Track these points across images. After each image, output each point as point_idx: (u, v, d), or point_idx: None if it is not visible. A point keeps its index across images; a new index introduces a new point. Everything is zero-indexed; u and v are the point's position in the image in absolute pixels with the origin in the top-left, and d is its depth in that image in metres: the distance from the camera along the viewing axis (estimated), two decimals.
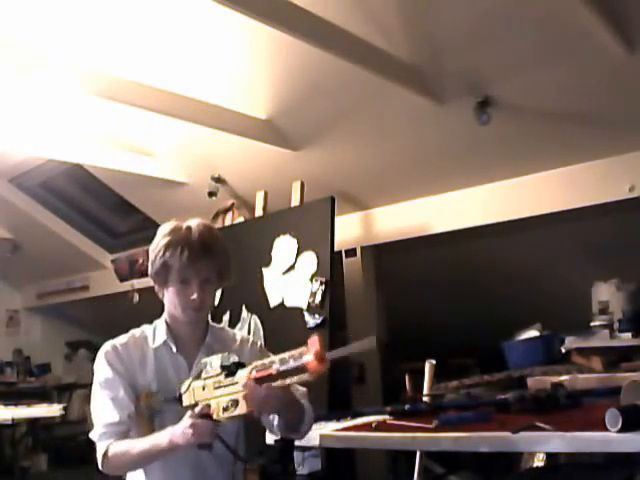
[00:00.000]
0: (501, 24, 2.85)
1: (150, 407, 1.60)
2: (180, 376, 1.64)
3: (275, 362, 1.36)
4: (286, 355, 1.34)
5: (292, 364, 1.32)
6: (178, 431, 1.46)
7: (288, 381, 1.34)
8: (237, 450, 1.59)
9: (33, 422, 5.77)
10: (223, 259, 1.70)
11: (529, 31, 2.85)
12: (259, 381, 1.38)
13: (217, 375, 1.47)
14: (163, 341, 1.69)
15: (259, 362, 1.41)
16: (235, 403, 1.40)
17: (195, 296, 1.64)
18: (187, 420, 1.45)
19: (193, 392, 1.52)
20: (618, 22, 2.66)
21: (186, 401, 1.52)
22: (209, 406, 1.45)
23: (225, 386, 1.44)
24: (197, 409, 1.47)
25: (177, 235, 1.65)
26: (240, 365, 1.45)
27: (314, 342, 1.29)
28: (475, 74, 3.20)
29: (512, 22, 2.83)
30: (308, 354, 1.28)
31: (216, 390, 1.46)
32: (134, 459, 1.57)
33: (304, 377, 1.30)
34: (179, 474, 1.65)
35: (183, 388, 1.54)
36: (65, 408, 5.54)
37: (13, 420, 5.17)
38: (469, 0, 2.81)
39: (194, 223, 1.69)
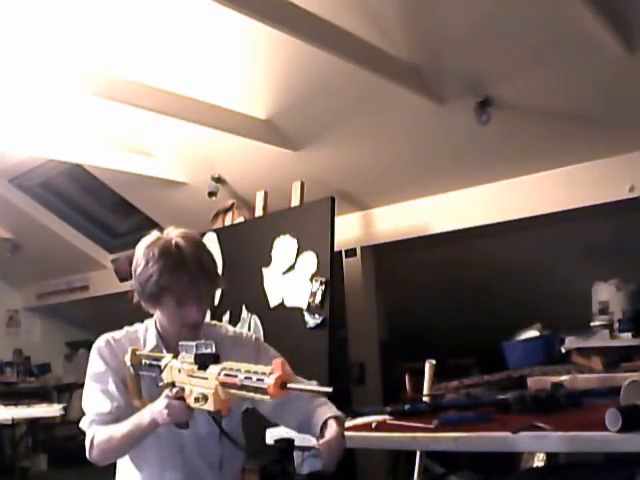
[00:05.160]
0: (501, 24, 2.85)
1: (135, 366, 1.62)
2: None
3: (242, 372, 1.35)
4: (251, 369, 1.33)
5: (254, 382, 1.30)
6: (156, 409, 1.49)
7: (250, 395, 1.32)
8: (235, 440, 1.60)
9: (33, 422, 5.77)
10: (215, 272, 1.68)
11: (529, 31, 2.85)
12: (224, 385, 1.38)
13: (191, 364, 1.47)
14: (154, 345, 1.70)
15: (230, 364, 1.40)
16: (205, 398, 1.41)
17: (194, 317, 1.64)
18: (164, 400, 1.48)
19: (171, 371, 1.53)
20: (618, 22, 2.66)
21: (164, 378, 1.54)
22: (184, 390, 1.47)
23: (196, 377, 1.45)
24: (173, 391, 1.48)
25: (170, 257, 1.60)
26: (214, 358, 1.44)
27: (278, 367, 1.27)
28: (475, 74, 3.20)
29: (512, 22, 2.83)
30: (270, 377, 1.27)
31: (189, 378, 1.47)
32: (118, 443, 1.58)
33: (264, 397, 1.28)
34: (169, 477, 1.66)
35: (163, 363, 1.55)
36: (65, 408, 5.53)
37: (13, 420, 5.17)
38: (469, 0, 2.81)
39: (179, 238, 1.63)
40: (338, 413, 1.66)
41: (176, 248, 1.62)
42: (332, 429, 1.59)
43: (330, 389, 1.28)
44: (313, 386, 1.37)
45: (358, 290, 4.55)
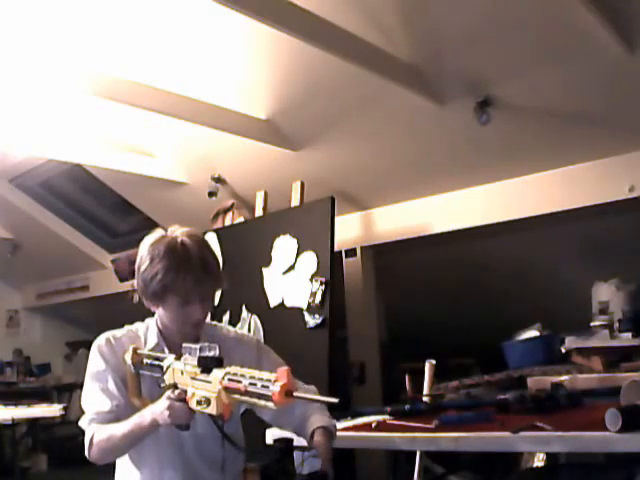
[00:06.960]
0: (501, 24, 2.85)
1: (136, 365, 1.62)
2: None
3: (246, 378, 1.34)
4: (256, 376, 1.32)
5: (258, 389, 1.30)
6: (158, 410, 1.48)
7: (253, 401, 1.32)
8: (234, 441, 1.60)
9: (33, 422, 5.75)
10: (219, 272, 1.67)
11: (529, 31, 2.86)
12: (228, 390, 1.37)
13: (194, 367, 1.46)
14: (155, 344, 1.69)
15: (234, 369, 1.39)
16: (207, 401, 1.40)
17: (197, 316, 1.64)
18: (165, 401, 1.47)
19: (173, 373, 1.52)
20: (618, 22, 2.67)
21: (167, 379, 1.53)
22: (186, 392, 1.46)
23: (200, 381, 1.44)
24: (175, 392, 1.47)
25: (176, 255, 1.59)
26: (218, 361, 1.43)
27: (283, 375, 1.27)
28: (475, 74, 3.20)
29: (512, 22, 2.83)
30: (275, 385, 1.26)
31: (192, 381, 1.46)
32: (118, 442, 1.57)
33: (268, 404, 1.28)
34: (169, 476, 1.66)
35: (165, 364, 1.55)
36: (65, 408, 5.51)
37: (13, 420, 5.16)
38: (469, 0, 2.81)
39: (185, 236, 1.63)
40: (327, 423, 1.67)
41: (182, 246, 1.60)
42: (317, 440, 1.61)
43: (336, 400, 1.28)
44: (319, 396, 1.36)
45: (358, 290, 4.55)
